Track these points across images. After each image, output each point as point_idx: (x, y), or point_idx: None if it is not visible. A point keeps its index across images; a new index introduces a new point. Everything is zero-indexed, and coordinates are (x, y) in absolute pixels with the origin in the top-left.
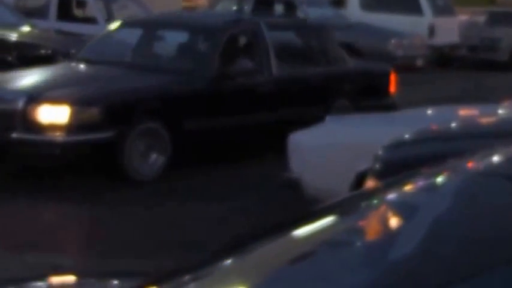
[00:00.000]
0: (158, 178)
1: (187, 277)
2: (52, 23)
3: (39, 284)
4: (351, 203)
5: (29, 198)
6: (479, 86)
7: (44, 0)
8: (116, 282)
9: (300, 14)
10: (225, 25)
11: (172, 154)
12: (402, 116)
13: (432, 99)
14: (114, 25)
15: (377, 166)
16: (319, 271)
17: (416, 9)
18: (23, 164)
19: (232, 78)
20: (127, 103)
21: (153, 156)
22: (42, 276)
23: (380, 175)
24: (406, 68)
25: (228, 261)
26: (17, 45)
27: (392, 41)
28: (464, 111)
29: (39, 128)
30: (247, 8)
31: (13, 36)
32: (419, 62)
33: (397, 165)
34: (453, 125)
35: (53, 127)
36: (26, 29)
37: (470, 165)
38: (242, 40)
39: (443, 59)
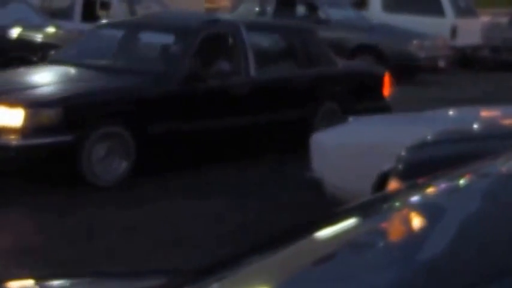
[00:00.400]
0: (121, 184)
1: (211, 278)
2: (76, 24)
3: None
4: (377, 204)
5: None
6: (502, 87)
7: (69, 1)
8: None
9: (322, 15)
10: (199, 26)
11: (136, 159)
12: (425, 116)
13: (454, 100)
14: (92, 27)
15: (400, 167)
16: (343, 272)
17: (439, 11)
18: None
19: (205, 80)
20: (86, 105)
21: (115, 161)
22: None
23: (403, 176)
24: (428, 69)
25: (252, 262)
26: (41, 46)
27: (414, 42)
28: (486, 113)
29: None
30: (270, 9)
31: (38, 37)
32: (441, 63)
33: (420, 166)
34: (475, 126)
35: (7, 130)
36: (50, 30)
37: (494, 166)
38: (218, 41)
39: (466, 60)
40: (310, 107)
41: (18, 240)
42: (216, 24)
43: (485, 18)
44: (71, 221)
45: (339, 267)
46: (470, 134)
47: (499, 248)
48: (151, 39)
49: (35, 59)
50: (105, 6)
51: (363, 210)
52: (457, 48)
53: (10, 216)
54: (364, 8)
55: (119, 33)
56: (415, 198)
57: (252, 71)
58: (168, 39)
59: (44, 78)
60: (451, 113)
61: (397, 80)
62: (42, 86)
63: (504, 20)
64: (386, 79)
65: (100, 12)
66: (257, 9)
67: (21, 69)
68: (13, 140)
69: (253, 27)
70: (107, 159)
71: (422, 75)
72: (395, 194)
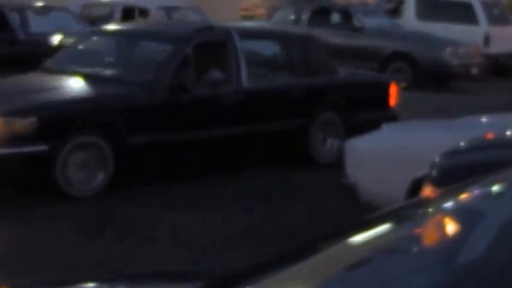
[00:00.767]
0: (98, 195)
1: (247, 282)
2: None
3: None
4: (411, 210)
5: None
6: None
7: (108, 9)
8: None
9: (356, 23)
10: (188, 35)
11: (115, 170)
12: (458, 123)
13: (487, 107)
14: (84, 35)
15: (434, 173)
16: (378, 276)
17: (472, 19)
18: None
19: (191, 89)
20: (61, 115)
21: (92, 172)
22: None
23: (437, 182)
24: (461, 76)
25: (288, 266)
26: None
27: (448, 49)
28: None
29: None
30: (305, 17)
31: None
32: (474, 71)
33: (454, 172)
34: (508, 133)
35: None
36: None
37: None
38: (210, 50)
39: (498, 68)
40: (306, 117)
41: None
42: (208, 32)
43: None
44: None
45: (374, 272)
46: (503, 141)
47: None
48: (141, 47)
49: None
50: (144, 13)
51: (398, 215)
52: (490, 56)
53: None
54: (398, 16)
55: (110, 41)
56: (450, 204)
57: (244, 80)
58: (157, 47)
59: (27, 86)
60: (484, 120)
61: (431, 86)
62: (20, 95)
63: None
64: (392, 88)
65: (138, 19)
66: (292, 17)
67: (10, 78)
68: None
69: (250, 35)
70: (83, 170)
71: (455, 82)
72: (430, 200)
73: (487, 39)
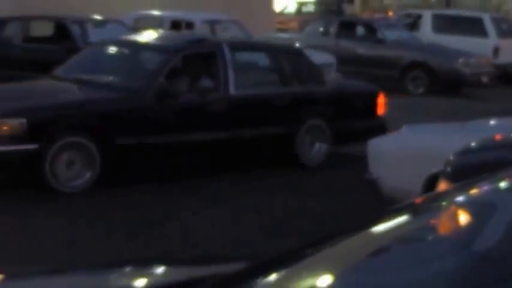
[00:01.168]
0: (85, 192)
1: (280, 266)
2: None
3: None
4: (429, 203)
5: None
6: None
7: (158, 22)
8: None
9: (379, 35)
10: (177, 46)
11: (102, 169)
12: (470, 125)
13: (496, 111)
14: (89, 45)
15: (448, 170)
16: (399, 262)
17: (483, 32)
18: None
19: (178, 96)
20: (48, 117)
21: (79, 170)
22: None
23: (451, 178)
24: (472, 84)
25: (315, 253)
26: None
27: (461, 60)
28: None
29: None
30: (332, 29)
31: None
32: (485, 79)
33: (466, 169)
34: None
35: None
36: None
37: None
38: (200, 60)
39: (507, 77)
40: (293, 123)
41: None
42: (199, 44)
43: None
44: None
45: (394, 259)
46: (508, 142)
47: None
48: (136, 57)
49: None
50: (189, 26)
51: (416, 208)
52: (498, 66)
53: None
54: (416, 30)
55: (110, 51)
56: (462, 198)
57: (232, 89)
58: (150, 57)
59: (26, 91)
60: (492, 123)
61: (445, 93)
62: (16, 98)
63: None
64: (380, 98)
65: (184, 32)
66: (321, 29)
67: (16, 83)
68: None
69: (241, 47)
70: (71, 168)
71: (467, 89)
72: (445, 194)
73: (496, 51)
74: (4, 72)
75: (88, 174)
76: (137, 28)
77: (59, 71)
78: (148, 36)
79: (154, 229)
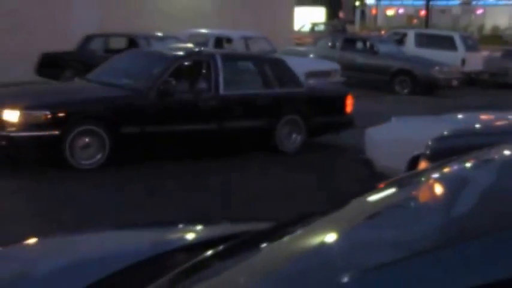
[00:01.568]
0: (96, 169)
1: (293, 226)
2: None
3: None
4: (412, 178)
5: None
6: (496, 100)
7: (205, 38)
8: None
9: (374, 48)
10: (176, 56)
11: (110, 151)
12: (444, 118)
13: (463, 107)
14: (114, 56)
15: (428, 152)
16: (389, 223)
17: (453, 47)
18: None
19: (173, 94)
20: (68, 110)
21: (92, 152)
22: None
23: (430, 159)
24: (445, 86)
25: (322, 216)
26: None
27: (436, 68)
28: (485, 117)
29: (1, 125)
30: (338, 44)
31: None
32: (454, 83)
33: (442, 152)
34: (477, 125)
35: (9, 125)
36: None
37: (490, 154)
38: (194, 67)
39: (471, 81)
40: (273, 117)
41: (25, 202)
42: (196, 54)
43: (485, 53)
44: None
45: (384, 221)
46: (474, 131)
47: (504, 204)
48: (146, 64)
49: None
50: (229, 41)
51: (401, 182)
52: (465, 73)
53: (14, 187)
54: (402, 44)
55: (127, 59)
56: (438, 174)
57: (221, 90)
58: (156, 64)
59: (57, 90)
60: (460, 116)
61: (424, 93)
62: (45, 95)
63: (498, 54)
64: (348, 99)
65: (225, 45)
66: (330, 44)
67: (54, 83)
68: (12, 132)
69: (231, 58)
70: (85, 150)
71: (441, 90)
72: (425, 171)
73: (463, 61)
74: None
75: (99, 155)
76: (190, 43)
77: (90, 75)
78: (160, 47)
79: (153, 198)
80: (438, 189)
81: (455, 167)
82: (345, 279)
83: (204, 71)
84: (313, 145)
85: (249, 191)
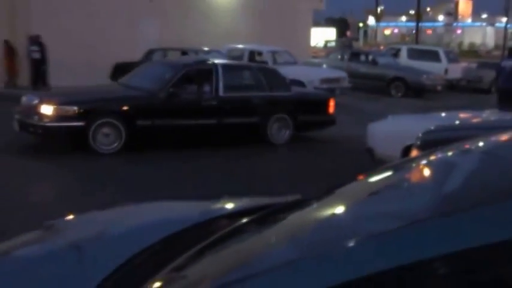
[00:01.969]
0: (115, 153)
1: (310, 200)
2: None
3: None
4: (405, 163)
5: (44, 162)
6: (472, 102)
7: (241, 52)
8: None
9: (374, 60)
10: (183, 65)
11: (126, 140)
12: (430, 116)
13: (445, 108)
14: (141, 65)
15: (418, 143)
16: (389, 199)
17: (438, 59)
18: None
19: (179, 95)
20: (91, 106)
21: (111, 140)
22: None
23: (420, 148)
24: (431, 90)
25: (333, 194)
26: None
27: (424, 76)
28: (464, 115)
29: (40, 117)
30: (346, 57)
31: None
32: (439, 88)
33: (430, 143)
34: (457, 122)
35: (46, 117)
36: None
37: (471, 145)
38: (198, 74)
39: (452, 87)
40: (265, 115)
41: (57, 185)
42: (201, 63)
43: (463, 64)
44: (85, 171)
45: (383, 198)
46: (455, 126)
47: (494, 182)
48: (160, 70)
49: None
50: (260, 54)
51: (396, 167)
52: (447, 80)
53: (51, 169)
54: (397, 57)
55: (149, 66)
56: (426, 160)
57: (221, 92)
58: (168, 71)
59: (89, 90)
60: (443, 114)
61: (414, 96)
62: (76, 94)
63: (474, 65)
64: (330, 102)
65: (256, 58)
66: (339, 57)
67: (91, 85)
68: (47, 122)
69: (229, 66)
70: (106, 138)
71: (428, 94)
72: (416, 158)
73: (446, 71)
74: None
75: (117, 143)
76: (229, 56)
77: (121, 79)
78: (174, 57)
79: (163, 181)
80: (428, 171)
81: (439, 156)
82: (353, 243)
83: (207, 77)
84: (300, 138)
85: (249, 172)
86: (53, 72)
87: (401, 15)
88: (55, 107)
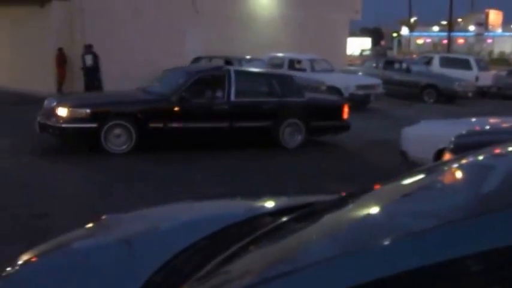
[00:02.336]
0: (127, 153)
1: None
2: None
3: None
4: (438, 166)
5: (60, 163)
6: (503, 108)
7: (281, 60)
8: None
9: (408, 68)
10: (197, 71)
11: (136, 141)
12: (462, 121)
13: (476, 113)
14: (161, 72)
15: (451, 146)
16: (423, 198)
17: (469, 67)
18: (55, 138)
19: (191, 100)
20: (103, 109)
21: (122, 141)
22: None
23: (452, 152)
24: (463, 97)
25: (366, 195)
26: None
27: (456, 83)
28: (494, 120)
29: (56, 119)
30: (380, 65)
31: None
32: (470, 94)
33: (462, 146)
34: (487, 127)
35: (61, 119)
36: None
37: (504, 148)
38: (211, 79)
39: (483, 93)
40: (277, 120)
41: (72, 185)
42: (215, 70)
43: (493, 72)
44: (97, 170)
45: (419, 198)
46: (486, 131)
47: None
48: (175, 76)
49: None
50: (299, 63)
51: (430, 169)
52: (478, 87)
53: (64, 168)
54: (429, 65)
55: (169, 73)
56: (459, 163)
57: (232, 97)
58: (181, 76)
59: (105, 95)
60: (473, 119)
61: (446, 102)
62: (91, 98)
63: (504, 73)
64: (344, 108)
65: (296, 66)
66: (374, 65)
67: (111, 90)
68: (62, 123)
69: (242, 73)
70: (117, 139)
71: (459, 100)
72: (448, 161)
73: (477, 78)
74: None
75: (127, 144)
76: (269, 64)
77: (142, 85)
78: (191, 64)
79: (174, 179)
80: (462, 174)
81: (474, 158)
82: (390, 241)
83: (220, 82)
84: (309, 142)
85: (263, 172)
86: (107, 80)
87: (433, 25)
88: (69, 109)
